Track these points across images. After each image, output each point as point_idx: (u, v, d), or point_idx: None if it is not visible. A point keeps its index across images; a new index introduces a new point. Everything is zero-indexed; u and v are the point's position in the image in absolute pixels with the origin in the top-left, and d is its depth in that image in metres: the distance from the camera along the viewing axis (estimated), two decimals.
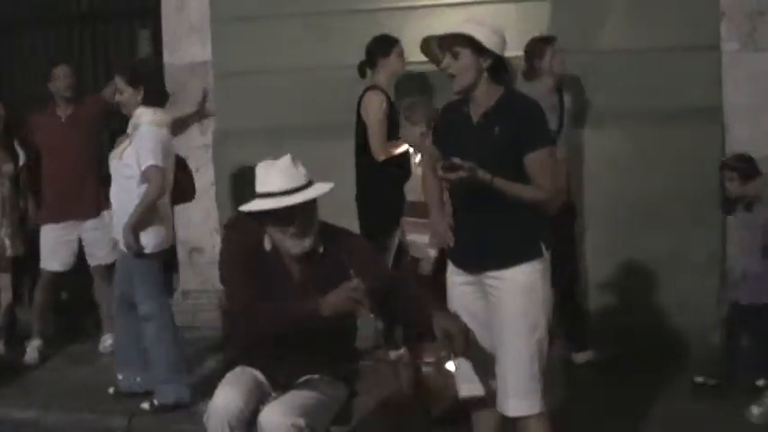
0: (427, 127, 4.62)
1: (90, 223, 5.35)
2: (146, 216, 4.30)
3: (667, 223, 4.55)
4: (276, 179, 3.00)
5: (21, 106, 5.75)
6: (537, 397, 3.07)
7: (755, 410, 4.00)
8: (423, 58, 4.93)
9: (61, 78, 5.34)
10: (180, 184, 4.61)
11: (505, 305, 3.06)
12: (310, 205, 3.02)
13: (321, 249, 3.09)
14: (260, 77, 5.65)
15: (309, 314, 2.89)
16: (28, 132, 5.42)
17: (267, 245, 3.11)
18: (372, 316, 2.95)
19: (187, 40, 5.83)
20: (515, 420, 3.10)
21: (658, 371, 4.62)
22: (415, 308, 3.08)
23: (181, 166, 4.66)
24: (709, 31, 5.04)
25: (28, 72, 6.50)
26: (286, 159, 3.07)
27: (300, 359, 3.09)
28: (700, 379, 4.39)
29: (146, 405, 4.40)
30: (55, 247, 5.31)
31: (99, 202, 5.29)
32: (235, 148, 5.69)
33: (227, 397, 2.94)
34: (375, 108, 4.81)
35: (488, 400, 3.20)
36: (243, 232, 3.25)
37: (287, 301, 3.00)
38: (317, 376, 3.12)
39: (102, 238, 5.26)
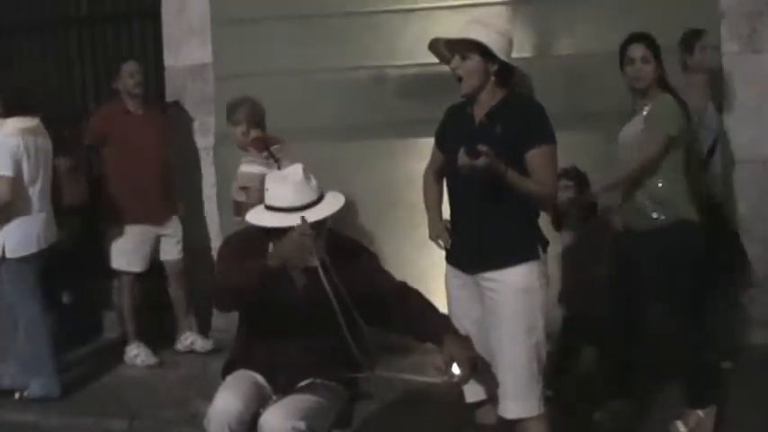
0: (248, 127, 4.57)
1: (166, 223, 5.43)
2: None
3: None
4: (288, 194, 2.95)
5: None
6: (536, 399, 3.08)
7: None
8: (421, 60, 5.01)
9: (130, 75, 5.33)
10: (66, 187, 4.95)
11: (502, 307, 3.05)
12: (319, 221, 2.94)
13: (327, 260, 3.01)
14: (260, 80, 5.64)
15: (259, 268, 2.83)
16: (88, 125, 5.41)
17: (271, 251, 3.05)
18: (319, 262, 2.81)
19: (187, 42, 5.83)
20: (515, 423, 3.10)
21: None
22: (421, 320, 3.06)
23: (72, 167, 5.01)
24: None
25: (27, 75, 6.49)
26: (298, 171, 3.00)
27: (301, 362, 3.08)
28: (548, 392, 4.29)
29: (17, 396, 4.67)
30: (136, 247, 5.33)
31: (175, 202, 5.50)
32: (236, 150, 5.69)
33: (227, 400, 2.93)
34: None
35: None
36: (246, 238, 3.16)
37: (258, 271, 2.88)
38: (318, 380, 3.11)
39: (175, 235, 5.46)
